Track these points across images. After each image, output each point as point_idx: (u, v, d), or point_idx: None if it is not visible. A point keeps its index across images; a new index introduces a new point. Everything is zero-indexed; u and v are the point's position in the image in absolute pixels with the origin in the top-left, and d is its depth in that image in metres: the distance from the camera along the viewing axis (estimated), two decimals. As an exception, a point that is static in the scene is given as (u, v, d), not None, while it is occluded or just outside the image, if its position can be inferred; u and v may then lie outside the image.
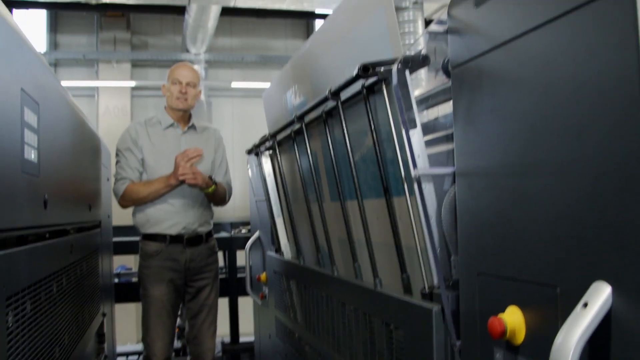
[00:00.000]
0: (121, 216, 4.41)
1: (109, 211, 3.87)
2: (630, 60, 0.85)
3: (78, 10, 8.15)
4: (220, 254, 3.95)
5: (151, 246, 3.34)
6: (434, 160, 1.54)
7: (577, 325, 0.88)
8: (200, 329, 3.47)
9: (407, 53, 1.47)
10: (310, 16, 9.01)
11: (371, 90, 1.69)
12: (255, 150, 3.19)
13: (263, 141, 3.00)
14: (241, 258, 5.13)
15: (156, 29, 9.30)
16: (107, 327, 3.61)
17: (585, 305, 0.90)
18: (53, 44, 8.88)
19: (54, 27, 8.90)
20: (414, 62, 1.43)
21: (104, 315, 3.40)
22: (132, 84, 8.88)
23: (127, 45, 8.99)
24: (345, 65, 1.94)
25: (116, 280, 5.27)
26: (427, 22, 7.70)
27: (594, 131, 0.92)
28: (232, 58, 9.30)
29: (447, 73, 1.46)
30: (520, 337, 1.11)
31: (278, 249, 3.15)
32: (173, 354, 4.14)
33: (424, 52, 1.41)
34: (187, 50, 8.70)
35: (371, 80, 1.61)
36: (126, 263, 7.13)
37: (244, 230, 5.44)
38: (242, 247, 4.91)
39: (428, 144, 1.59)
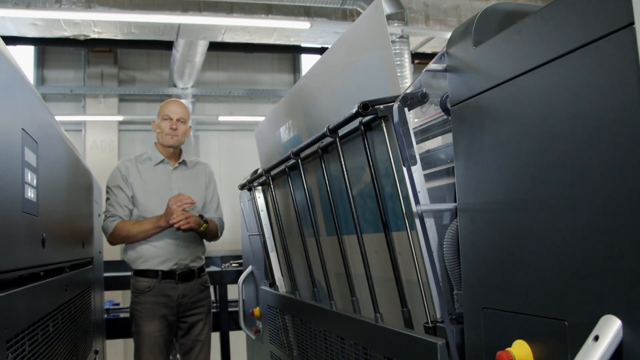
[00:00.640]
0: (109, 251, 4.38)
1: (100, 247, 3.85)
2: (633, 98, 0.88)
3: (66, 46, 8.18)
4: (210, 288, 3.93)
5: (143, 282, 3.31)
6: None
7: (590, 358, 0.89)
8: (194, 366, 3.44)
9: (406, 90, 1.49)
10: (296, 50, 9.12)
11: (368, 127, 1.72)
12: (248, 186, 3.19)
13: (256, 176, 3.01)
14: (232, 292, 5.10)
15: (143, 64, 9.35)
16: (98, 365, 3.56)
17: (596, 338, 0.91)
18: (40, 79, 8.89)
19: (41, 62, 8.92)
20: (414, 100, 1.45)
21: (96, 352, 3.35)
22: (120, 118, 8.88)
23: (114, 80, 9.02)
24: (342, 101, 1.97)
25: (105, 316, 5.20)
26: (413, 56, 7.82)
27: (598, 166, 0.95)
28: (219, 92, 9.36)
29: (444, 109, 1.49)
30: (529, 370, 1.12)
31: (272, 284, 3.14)
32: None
33: (424, 89, 1.44)
34: (175, 85, 8.74)
35: (369, 117, 1.63)
36: (113, 298, 7.04)
37: (234, 264, 5.41)
38: (233, 281, 4.89)
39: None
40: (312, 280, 2.45)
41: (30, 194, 1.61)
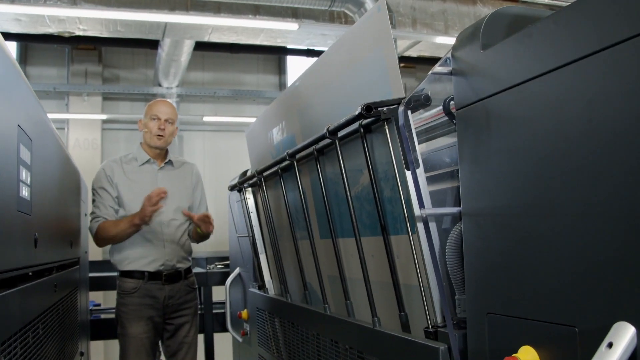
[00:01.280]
0: (92, 251, 4.32)
1: (86, 247, 3.80)
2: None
3: (49, 43, 8.07)
4: (196, 290, 3.90)
5: (129, 283, 3.28)
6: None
7: (605, 364, 0.89)
8: (179, 368, 3.40)
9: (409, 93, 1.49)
10: (282, 52, 9.10)
11: (367, 129, 1.70)
12: (238, 187, 3.17)
13: (247, 177, 2.98)
14: (216, 294, 5.05)
15: (128, 63, 9.25)
16: (83, 367, 3.50)
17: (610, 345, 0.90)
18: (22, 76, 8.76)
19: (23, 58, 8.79)
20: (417, 102, 1.45)
21: (82, 354, 3.30)
22: (103, 117, 8.79)
23: (98, 78, 8.92)
24: (341, 103, 1.95)
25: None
26: (400, 59, 7.84)
27: (611, 172, 0.95)
28: (204, 92, 9.30)
29: (447, 113, 1.48)
30: (537, 376, 1.11)
31: (262, 286, 3.11)
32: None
33: (429, 92, 1.43)
34: (159, 84, 8.66)
35: (369, 119, 1.62)
36: (94, 299, 6.95)
37: (219, 265, 5.37)
38: (218, 282, 4.85)
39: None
40: (304, 283, 2.43)
41: (25, 192, 1.58)
